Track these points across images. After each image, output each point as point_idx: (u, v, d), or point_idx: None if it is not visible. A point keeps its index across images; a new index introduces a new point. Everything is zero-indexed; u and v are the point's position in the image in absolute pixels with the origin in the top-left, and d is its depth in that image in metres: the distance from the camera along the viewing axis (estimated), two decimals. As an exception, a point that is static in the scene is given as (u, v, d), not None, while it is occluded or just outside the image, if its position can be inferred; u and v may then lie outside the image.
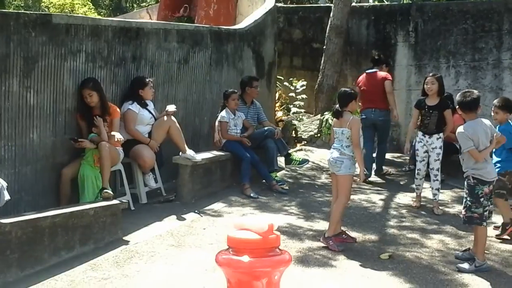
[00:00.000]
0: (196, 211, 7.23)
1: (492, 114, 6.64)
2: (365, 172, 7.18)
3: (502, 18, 10.64)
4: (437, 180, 7.65)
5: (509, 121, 6.71)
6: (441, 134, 7.68)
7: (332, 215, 6.24)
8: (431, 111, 7.64)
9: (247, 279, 3.19)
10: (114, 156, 6.82)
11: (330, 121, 10.85)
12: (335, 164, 6.16)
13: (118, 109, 7.13)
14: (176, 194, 7.71)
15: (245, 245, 3.15)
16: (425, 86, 7.69)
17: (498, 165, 6.61)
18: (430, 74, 7.88)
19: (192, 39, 8.97)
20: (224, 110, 8.52)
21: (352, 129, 6.12)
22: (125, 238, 6.11)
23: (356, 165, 6.29)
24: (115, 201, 6.21)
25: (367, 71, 9.53)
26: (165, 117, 7.66)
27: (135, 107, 7.43)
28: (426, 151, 7.70)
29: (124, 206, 6.31)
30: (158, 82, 8.19)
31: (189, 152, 7.67)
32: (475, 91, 5.83)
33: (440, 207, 7.66)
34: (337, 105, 6.33)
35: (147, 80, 7.61)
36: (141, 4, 27.12)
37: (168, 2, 13.77)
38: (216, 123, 8.60)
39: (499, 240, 6.56)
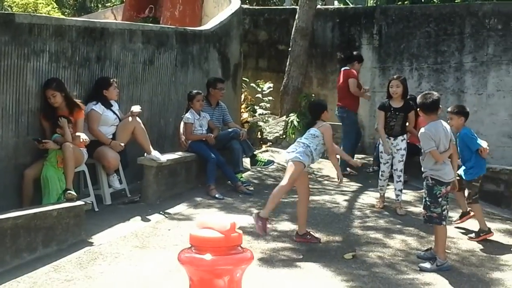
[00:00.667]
0: (161, 212, 7.21)
1: (448, 121, 6.76)
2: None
3: (464, 21, 10.82)
4: (400, 181, 7.75)
5: (466, 126, 6.86)
6: (405, 136, 7.79)
7: (271, 197, 6.16)
8: (397, 113, 7.73)
9: (209, 277, 3.21)
10: (78, 157, 6.77)
11: (295, 122, 10.93)
12: (290, 150, 6.22)
13: (83, 109, 7.08)
14: (141, 195, 7.67)
15: (207, 243, 3.17)
16: (390, 89, 7.76)
17: (471, 171, 6.77)
18: (395, 77, 7.95)
19: (157, 40, 8.94)
20: (189, 111, 8.51)
21: (325, 134, 6.23)
22: (89, 239, 6.06)
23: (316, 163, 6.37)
24: (78, 202, 6.16)
25: (342, 69, 9.80)
26: (130, 118, 7.62)
27: (99, 107, 7.38)
28: (390, 153, 7.79)
29: (88, 207, 6.27)
30: (123, 83, 8.15)
31: (154, 153, 7.64)
32: (435, 93, 5.95)
33: (403, 208, 7.77)
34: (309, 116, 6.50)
35: (111, 80, 7.58)
36: (106, 4, 26.88)
37: (133, 3, 13.71)
38: (181, 124, 8.59)
39: (460, 240, 6.69)
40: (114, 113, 7.59)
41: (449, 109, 6.94)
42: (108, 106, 7.51)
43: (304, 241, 6.27)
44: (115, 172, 7.51)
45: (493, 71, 10.32)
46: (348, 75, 9.78)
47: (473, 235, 6.78)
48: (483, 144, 6.89)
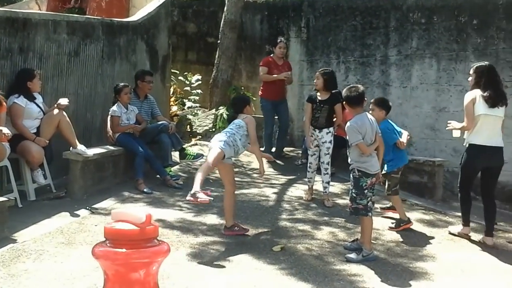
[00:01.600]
0: (87, 207, 7.07)
1: (370, 112, 6.86)
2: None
3: (389, 15, 11.01)
4: (327, 173, 7.86)
5: (387, 119, 7.01)
6: (331, 129, 7.89)
7: (196, 176, 6.11)
8: (322, 105, 7.84)
9: (125, 270, 3.16)
10: (0, 151, 6.56)
11: (225, 115, 10.92)
12: (213, 139, 6.25)
13: (4, 103, 6.85)
14: (67, 191, 7.52)
15: (122, 236, 3.12)
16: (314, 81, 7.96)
17: (390, 163, 6.93)
18: (319, 70, 8.11)
19: (83, 31, 8.75)
20: (116, 104, 8.39)
21: (249, 125, 6.30)
22: (12, 236, 5.88)
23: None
24: (1, 199, 5.96)
25: None
26: (55, 111, 7.43)
27: (21, 100, 7.17)
28: (317, 145, 7.89)
29: (11, 203, 6.06)
30: (47, 75, 7.95)
31: (80, 147, 7.49)
32: (360, 86, 6.06)
33: (330, 200, 7.88)
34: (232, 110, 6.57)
35: (34, 71, 7.38)
36: (30, -6, 26.09)
37: (58, -7, 13.39)
38: (109, 118, 8.45)
39: (385, 231, 6.84)
40: (38, 106, 7.40)
41: (372, 100, 7.09)
42: (31, 98, 7.30)
43: (232, 233, 6.29)
44: (39, 167, 7.32)
45: (416, 64, 10.54)
46: (261, 64, 10.23)
47: (393, 225, 6.96)
48: (404, 135, 7.05)
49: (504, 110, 6.64)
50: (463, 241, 6.74)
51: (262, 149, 9.90)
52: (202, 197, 5.80)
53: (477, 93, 6.57)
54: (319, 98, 7.89)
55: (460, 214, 7.02)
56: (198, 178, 5.97)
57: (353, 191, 5.90)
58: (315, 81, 7.94)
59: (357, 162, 5.86)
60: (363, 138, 5.79)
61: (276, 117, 10.39)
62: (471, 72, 6.78)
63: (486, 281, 5.49)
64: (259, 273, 5.40)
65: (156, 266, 3.23)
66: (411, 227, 6.99)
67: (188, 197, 5.94)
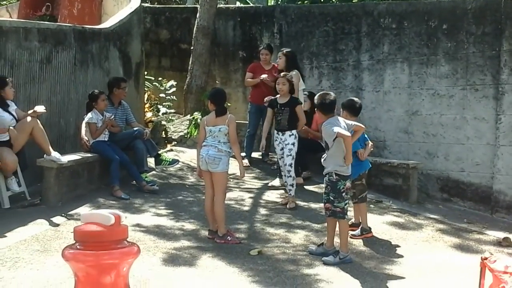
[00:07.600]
0: (62, 214, 7.03)
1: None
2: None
3: (361, 21, 11.10)
4: (290, 176, 7.84)
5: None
6: (294, 131, 7.90)
7: (217, 215, 6.42)
8: (282, 108, 7.92)
9: (95, 272, 3.16)
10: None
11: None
12: (213, 161, 6.31)
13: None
14: (42, 198, 7.45)
15: (92, 238, 3.12)
16: (277, 86, 7.97)
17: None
18: (281, 75, 8.18)
19: (55, 38, 8.70)
20: (92, 111, 8.34)
21: (231, 126, 6.40)
22: (-13, 245, 5.84)
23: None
24: (-26, 207, 5.92)
25: None
26: (28, 118, 7.36)
27: (-6, 109, 7.10)
28: (282, 148, 7.92)
29: (-16, 212, 6.02)
30: (19, 82, 7.87)
31: (54, 154, 7.42)
32: (332, 93, 6.11)
33: (294, 202, 7.89)
34: (211, 104, 6.56)
35: (7, 79, 7.32)
36: (2, 3, 25.88)
37: (29, 1, 13.28)
38: (83, 125, 8.40)
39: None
40: (11, 114, 7.33)
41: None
42: (5, 106, 7.24)
43: (225, 242, 6.36)
44: (13, 174, 7.25)
45: (389, 69, 10.63)
46: (247, 70, 10.34)
47: (355, 233, 6.84)
48: (368, 146, 6.89)
49: None
50: (438, 243, 6.83)
51: (243, 154, 9.90)
52: (234, 241, 6.42)
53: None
54: (279, 102, 7.98)
55: (434, 216, 7.08)
56: (221, 219, 6.46)
57: (331, 194, 5.93)
58: (279, 86, 7.90)
59: (335, 165, 5.90)
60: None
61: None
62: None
63: (461, 281, 5.56)
64: (237, 277, 5.42)
65: (126, 267, 3.23)
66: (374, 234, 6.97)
67: (217, 240, 6.42)
